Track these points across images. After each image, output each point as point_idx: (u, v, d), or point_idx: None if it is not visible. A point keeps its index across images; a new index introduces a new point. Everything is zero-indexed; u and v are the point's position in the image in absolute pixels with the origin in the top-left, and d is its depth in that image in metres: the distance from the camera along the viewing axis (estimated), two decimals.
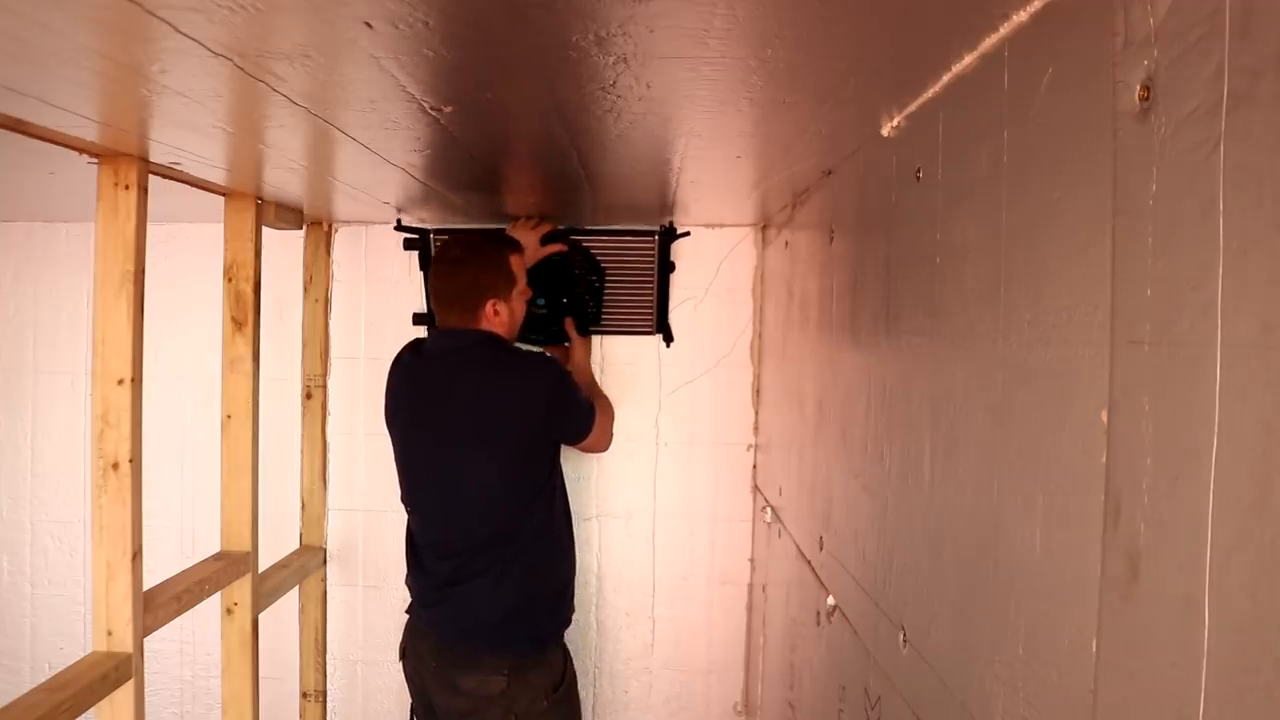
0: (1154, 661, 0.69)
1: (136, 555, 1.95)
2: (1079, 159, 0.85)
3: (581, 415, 2.44)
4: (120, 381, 1.92)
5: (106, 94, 1.44)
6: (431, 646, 2.37)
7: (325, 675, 3.25)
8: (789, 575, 2.43)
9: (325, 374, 3.23)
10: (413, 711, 2.50)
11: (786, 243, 2.67)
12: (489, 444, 2.30)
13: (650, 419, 3.23)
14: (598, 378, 3.24)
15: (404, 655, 2.50)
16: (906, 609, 1.36)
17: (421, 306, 3.22)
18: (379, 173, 2.12)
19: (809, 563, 2.13)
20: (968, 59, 1.13)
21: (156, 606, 2.08)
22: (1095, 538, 0.77)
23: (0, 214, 3.19)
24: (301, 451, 3.21)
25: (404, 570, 2.52)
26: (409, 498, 2.49)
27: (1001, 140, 1.02)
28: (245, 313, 2.52)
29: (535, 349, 2.73)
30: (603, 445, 2.59)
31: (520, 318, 2.29)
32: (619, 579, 3.26)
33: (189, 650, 3.30)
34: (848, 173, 1.86)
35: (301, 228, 3.04)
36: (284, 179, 2.28)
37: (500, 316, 2.29)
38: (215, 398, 2.59)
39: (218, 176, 2.24)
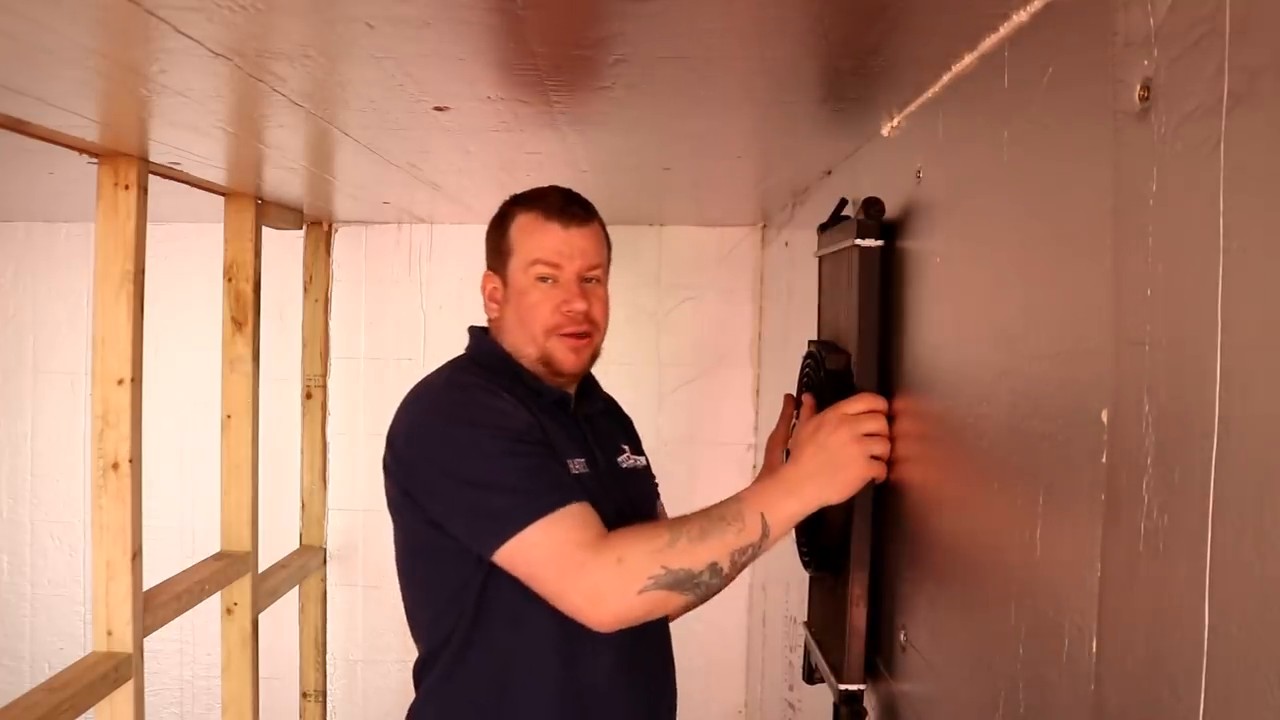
0: (1154, 661, 0.69)
1: (136, 555, 1.95)
2: (1079, 158, 0.85)
3: (461, 497, 1.25)
4: (120, 381, 1.92)
5: (106, 94, 1.44)
6: None
7: (325, 675, 3.25)
8: (789, 574, 2.43)
9: (325, 374, 3.23)
10: None
11: (786, 243, 2.67)
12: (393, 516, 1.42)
13: (650, 418, 3.23)
14: (598, 377, 3.23)
15: None
16: (906, 608, 1.36)
17: (418, 308, 3.23)
18: (378, 172, 2.12)
19: None
20: (968, 59, 1.13)
21: (156, 606, 2.08)
22: (1095, 538, 0.77)
23: (0, 214, 3.19)
24: (301, 451, 3.21)
25: None
26: None
27: (1001, 140, 1.02)
28: (245, 313, 2.52)
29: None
30: (578, 601, 1.20)
31: (535, 310, 1.29)
32: None
33: (189, 650, 3.30)
34: (848, 173, 1.86)
35: (301, 228, 3.04)
36: (284, 179, 2.28)
37: (494, 301, 1.39)
38: (215, 398, 2.59)
39: (218, 176, 2.24)
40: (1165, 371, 0.68)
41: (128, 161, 1.89)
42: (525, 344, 1.36)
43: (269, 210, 2.64)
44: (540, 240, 1.35)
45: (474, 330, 1.47)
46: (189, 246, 3.13)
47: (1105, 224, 0.78)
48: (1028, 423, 0.94)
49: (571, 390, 1.46)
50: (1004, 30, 1.01)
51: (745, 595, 3.22)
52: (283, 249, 3.06)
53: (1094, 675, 0.77)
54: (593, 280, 1.37)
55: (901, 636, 1.36)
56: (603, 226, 1.43)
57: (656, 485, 1.64)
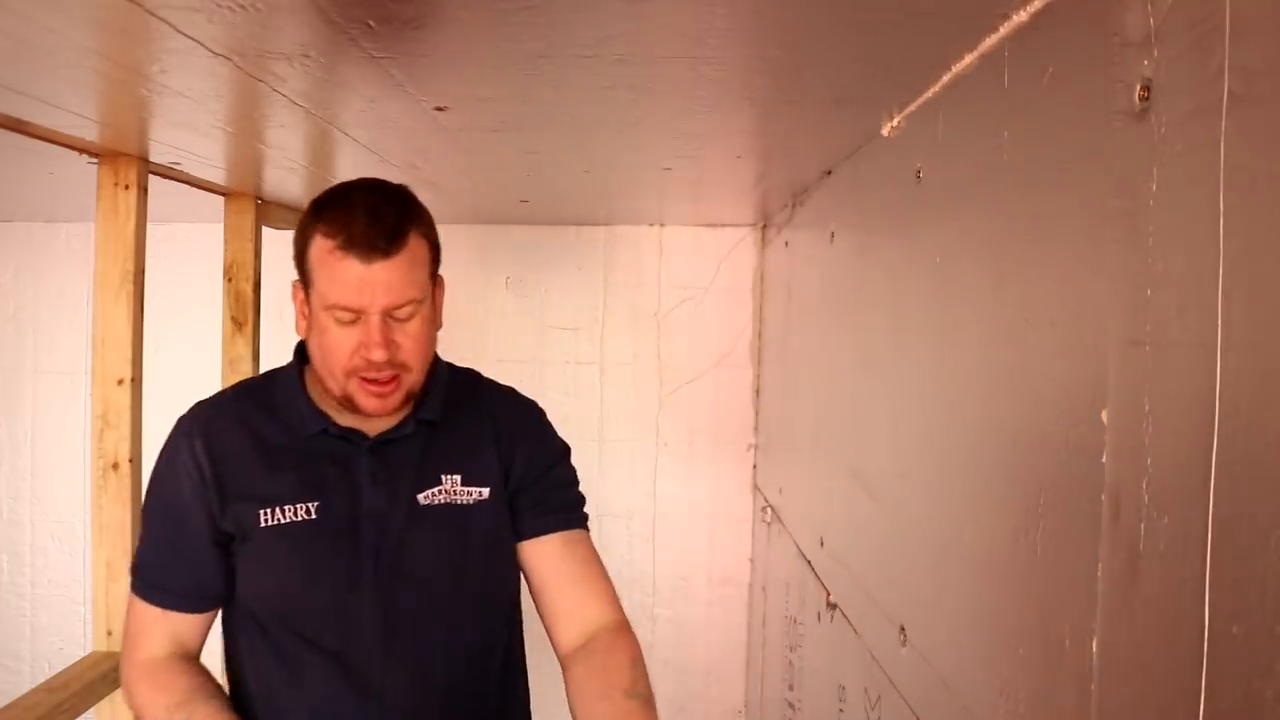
0: (1154, 661, 0.69)
1: None
2: (1079, 158, 0.85)
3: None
4: (120, 381, 1.92)
5: (106, 94, 1.44)
6: None
7: None
8: (789, 574, 2.43)
9: None
10: None
11: (786, 243, 2.67)
12: None
13: (650, 419, 3.23)
14: (597, 378, 3.24)
15: None
16: (906, 607, 1.36)
17: None
18: (379, 173, 2.12)
19: (809, 562, 2.13)
20: (968, 59, 1.13)
21: None
22: (1095, 538, 0.77)
23: (0, 214, 3.19)
24: None
25: None
26: None
27: (1002, 140, 1.02)
28: (245, 313, 2.52)
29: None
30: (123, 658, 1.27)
31: (333, 351, 1.16)
32: (619, 579, 3.23)
33: None
34: (848, 173, 1.86)
35: None
36: (284, 179, 2.28)
37: (302, 317, 1.26)
38: None
39: (218, 176, 2.24)
40: (1165, 371, 0.68)
41: (128, 161, 1.89)
42: (327, 378, 1.19)
43: (269, 210, 2.64)
44: (337, 279, 1.13)
45: (298, 345, 1.33)
46: (189, 246, 3.12)
47: (1105, 224, 0.78)
48: (1028, 423, 0.94)
49: (389, 417, 1.23)
50: (1004, 30, 1.01)
51: (745, 596, 3.23)
52: (283, 249, 3.06)
53: (1094, 675, 0.78)
54: (404, 315, 1.15)
55: (901, 636, 1.36)
56: (425, 237, 1.18)
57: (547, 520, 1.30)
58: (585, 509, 1.35)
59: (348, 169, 2.13)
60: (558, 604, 1.27)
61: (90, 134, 1.71)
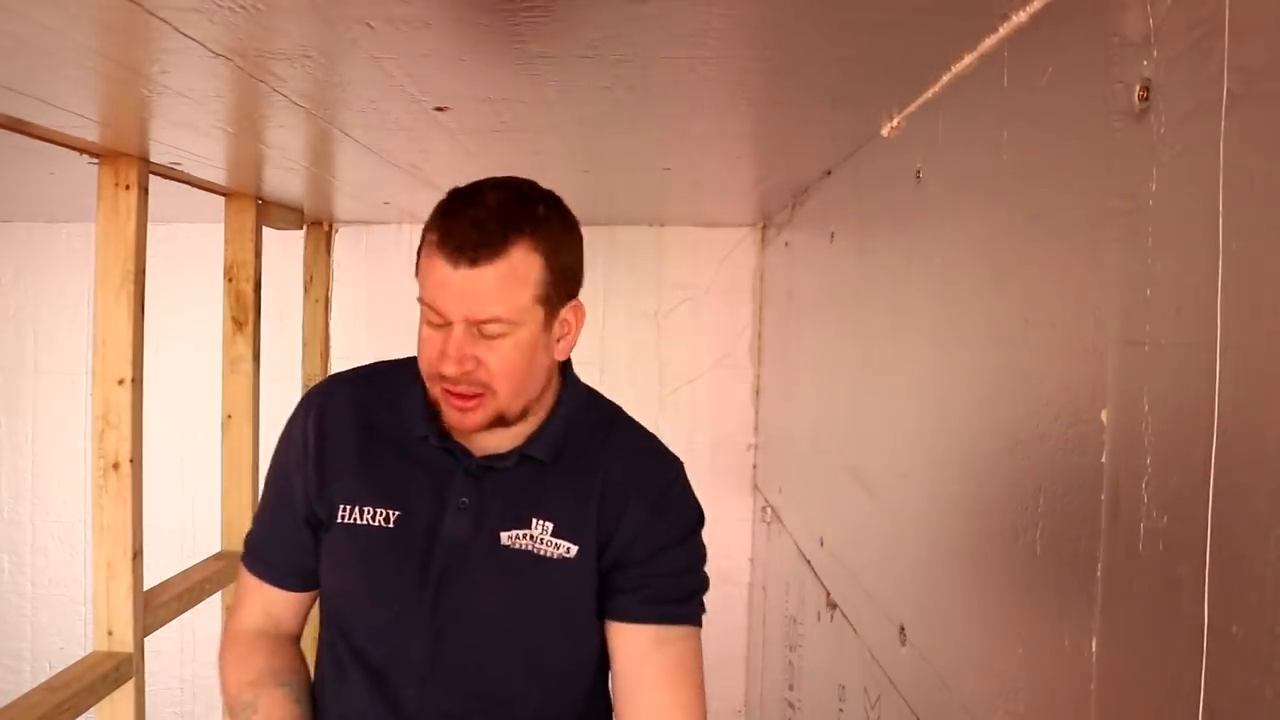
0: (1153, 661, 0.69)
1: (137, 555, 1.95)
2: (1079, 158, 0.85)
3: None
4: (120, 381, 1.92)
5: (107, 94, 1.44)
6: None
7: None
8: (789, 574, 2.43)
9: (325, 374, 3.23)
10: None
11: (786, 243, 2.67)
12: None
13: (650, 419, 3.22)
14: (597, 378, 3.23)
15: None
16: (906, 607, 1.36)
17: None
18: (379, 173, 2.12)
19: (809, 561, 2.13)
20: (967, 59, 1.13)
21: (156, 606, 2.08)
22: (1095, 538, 0.78)
23: (0, 214, 3.19)
24: None
25: None
26: None
27: (1001, 139, 1.02)
28: (245, 313, 2.52)
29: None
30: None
31: (420, 351, 1.10)
32: None
33: (189, 650, 3.30)
34: (848, 173, 1.86)
35: (301, 228, 3.04)
36: (284, 179, 2.28)
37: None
38: (215, 398, 2.59)
39: (218, 176, 2.24)
40: (1165, 371, 0.68)
41: (128, 161, 1.89)
42: (424, 378, 1.11)
43: (269, 210, 2.64)
44: (427, 277, 1.07)
45: None
46: (189, 246, 3.12)
47: (1105, 224, 0.78)
48: (1028, 422, 0.94)
49: (491, 439, 1.13)
50: (1004, 30, 1.01)
51: (745, 595, 3.22)
52: (283, 249, 3.06)
53: (1094, 675, 0.78)
54: (493, 332, 1.04)
55: (900, 635, 1.36)
56: (540, 254, 1.05)
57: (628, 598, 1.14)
58: (703, 598, 1.17)
59: (348, 169, 2.13)
60: (630, 708, 1.13)
61: (90, 134, 1.71)
